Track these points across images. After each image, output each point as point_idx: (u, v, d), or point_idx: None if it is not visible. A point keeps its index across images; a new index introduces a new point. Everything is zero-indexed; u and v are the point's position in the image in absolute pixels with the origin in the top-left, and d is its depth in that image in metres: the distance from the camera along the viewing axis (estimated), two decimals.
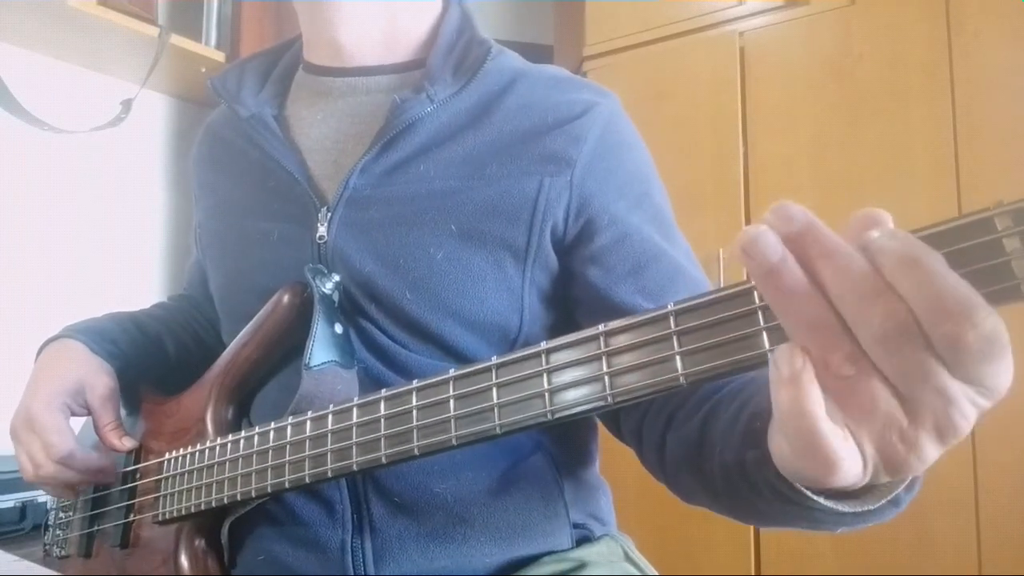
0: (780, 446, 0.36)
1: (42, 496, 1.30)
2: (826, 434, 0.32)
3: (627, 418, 0.62)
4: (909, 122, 1.53)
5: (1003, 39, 1.45)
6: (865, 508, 0.38)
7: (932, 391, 0.30)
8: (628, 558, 0.68)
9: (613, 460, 0.79)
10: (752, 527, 1.61)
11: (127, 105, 1.73)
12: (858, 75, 1.59)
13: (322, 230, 0.64)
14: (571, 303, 0.66)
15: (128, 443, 0.70)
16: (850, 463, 0.32)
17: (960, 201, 1.47)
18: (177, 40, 1.66)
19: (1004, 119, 1.44)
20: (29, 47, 1.62)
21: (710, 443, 0.50)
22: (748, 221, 1.70)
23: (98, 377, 0.72)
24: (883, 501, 0.38)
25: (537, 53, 2.16)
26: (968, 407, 0.30)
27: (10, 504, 1.31)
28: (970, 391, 0.30)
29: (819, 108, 1.63)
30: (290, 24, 1.93)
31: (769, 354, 0.34)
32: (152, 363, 0.78)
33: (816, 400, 0.32)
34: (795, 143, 1.66)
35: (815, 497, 0.38)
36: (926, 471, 0.36)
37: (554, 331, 0.66)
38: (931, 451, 0.32)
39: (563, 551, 0.64)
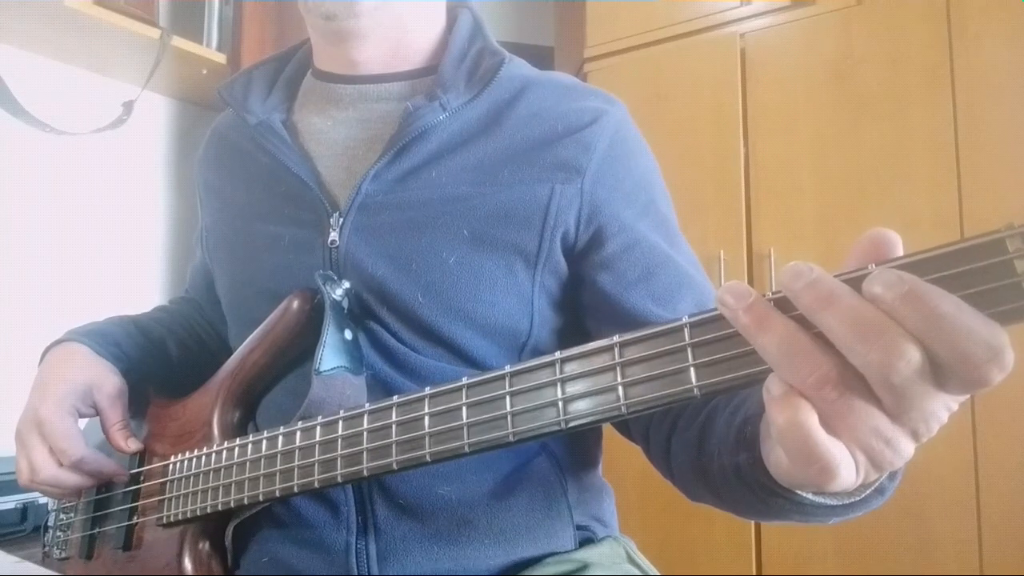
0: (778, 459, 0.38)
1: (43, 497, 1.30)
2: (823, 443, 0.34)
3: (635, 422, 0.63)
4: (910, 124, 1.53)
5: (1004, 41, 1.45)
6: (852, 500, 0.41)
7: (921, 410, 0.32)
8: (631, 559, 0.68)
9: (615, 462, 0.80)
10: (753, 528, 1.61)
11: (128, 107, 1.73)
12: (859, 77, 1.60)
13: (334, 235, 0.64)
14: (580, 309, 0.66)
15: (133, 445, 0.70)
16: (847, 470, 0.34)
17: (961, 202, 1.47)
18: (178, 42, 1.66)
19: (1005, 120, 1.44)
20: (30, 48, 1.62)
21: (709, 448, 0.51)
22: (749, 222, 1.71)
23: (106, 377, 0.72)
24: (869, 491, 0.41)
25: (538, 54, 2.16)
26: (946, 414, 0.33)
27: (11, 505, 1.31)
28: (950, 400, 0.32)
29: (820, 109, 1.64)
30: (292, 26, 1.93)
31: None
32: (155, 366, 0.78)
33: (809, 413, 0.33)
34: (796, 144, 1.66)
35: (804, 494, 0.41)
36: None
37: (563, 335, 0.67)
38: (910, 450, 0.35)
39: (566, 552, 0.65)
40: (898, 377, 0.31)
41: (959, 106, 1.49)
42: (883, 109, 1.56)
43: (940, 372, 0.31)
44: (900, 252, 0.33)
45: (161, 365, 0.79)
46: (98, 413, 0.71)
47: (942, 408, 0.33)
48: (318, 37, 0.73)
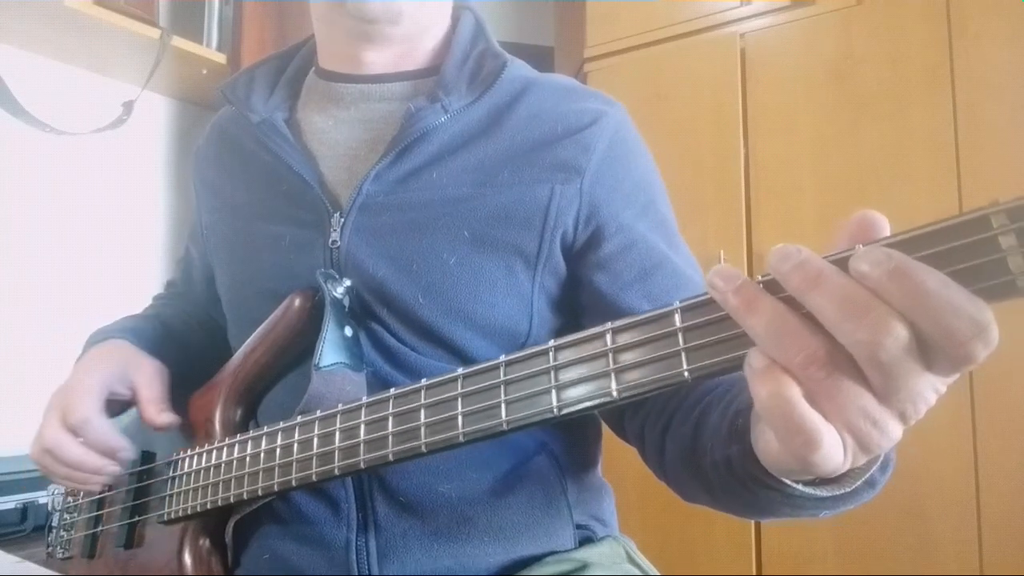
0: (767, 440, 0.38)
1: (43, 497, 1.30)
2: (806, 413, 0.34)
3: (631, 421, 0.63)
4: (910, 123, 1.54)
5: (1004, 40, 1.46)
6: (843, 491, 0.41)
7: (908, 390, 0.32)
8: (630, 559, 0.68)
9: (615, 462, 0.80)
10: (753, 528, 1.61)
11: (128, 107, 1.73)
12: (859, 76, 1.60)
13: (335, 235, 0.64)
14: (578, 309, 0.67)
15: (167, 417, 0.66)
16: (831, 441, 0.34)
17: (961, 202, 1.47)
18: (178, 42, 1.66)
19: (1005, 120, 1.44)
20: (30, 48, 1.62)
21: (702, 443, 0.52)
22: (749, 222, 1.71)
23: (145, 360, 0.71)
24: (859, 483, 0.41)
25: (538, 54, 2.17)
26: (934, 396, 0.33)
27: (11, 505, 1.31)
28: (937, 382, 0.33)
29: (820, 109, 1.64)
30: (291, 25, 1.93)
31: None
32: (180, 363, 0.76)
33: (791, 385, 0.34)
34: (796, 144, 1.66)
35: (794, 484, 0.41)
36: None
37: (561, 335, 0.66)
38: (897, 432, 0.35)
39: (566, 551, 0.65)
40: (886, 354, 0.31)
41: (959, 106, 1.49)
42: (883, 109, 1.56)
43: (927, 350, 0.31)
44: (887, 234, 0.34)
45: (184, 362, 0.77)
46: (134, 391, 0.69)
47: (930, 389, 0.33)
48: (337, 35, 0.72)
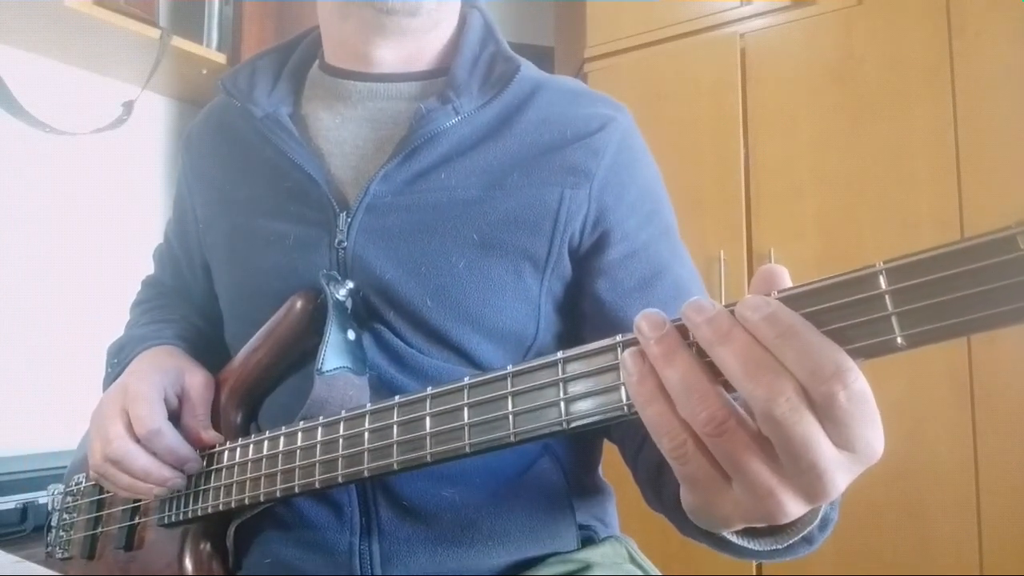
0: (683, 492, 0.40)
1: (43, 497, 1.30)
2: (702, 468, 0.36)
3: (630, 440, 0.63)
4: (910, 124, 1.54)
5: (1004, 40, 1.46)
6: (774, 547, 0.42)
7: (809, 460, 0.33)
8: (632, 559, 0.68)
9: (615, 463, 0.79)
10: None
11: (128, 107, 1.73)
12: (859, 77, 1.60)
13: (341, 236, 0.64)
14: (579, 319, 0.66)
15: (211, 436, 0.64)
16: (728, 500, 0.36)
17: (961, 203, 1.47)
18: (178, 42, 1.66)
19: (1005, 120, 1.45)
20: (30, 48, 1.62)
21: (665, 476, 0.53)
22: (749, 222, 1.71)
23: (198, 368, 0.69)
24: (795, 538, 0.41)
25: (538, 54, 2.17)
26: (840, 475, 0.33)
27: (11, 505, 1.31)
28: (843, 458, 0.33)
29: (820, 110, 1.64)
30: (292, 26, 1.93)
31: None
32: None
33: (689, 439, 0.35)
34: (796, 145, 1.66)
35: (725, 534, 0.42)
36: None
37: (565, 339, 0.67)
38: (797, 510, 0.35)
39: (568, 552, 0.65)
40: (779, 409, 0.32)
41: (959, 106, 1.49)
42: (883, 109, 1.56)
43: (811, 404, 0.32)
44: (787, 284, 0.35)
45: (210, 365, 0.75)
46: (182, 401, 0.66)
47: (836, 467, 0.33)
48: (349, 30, 0.69)
